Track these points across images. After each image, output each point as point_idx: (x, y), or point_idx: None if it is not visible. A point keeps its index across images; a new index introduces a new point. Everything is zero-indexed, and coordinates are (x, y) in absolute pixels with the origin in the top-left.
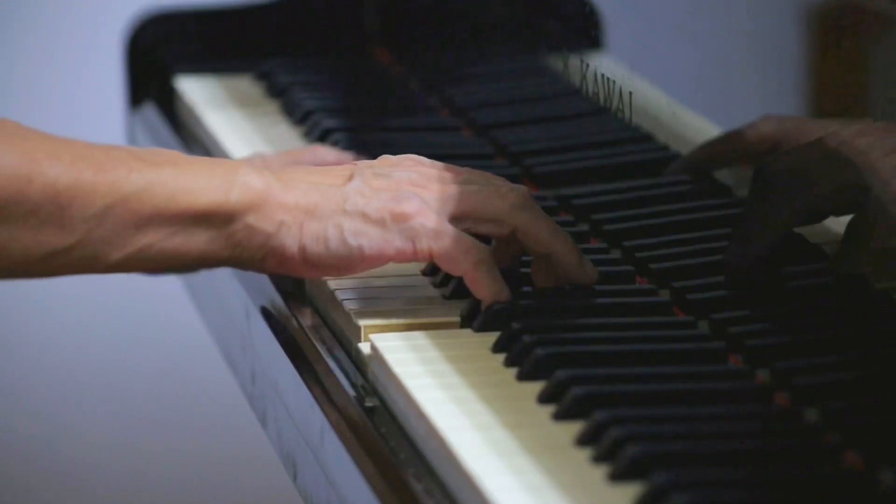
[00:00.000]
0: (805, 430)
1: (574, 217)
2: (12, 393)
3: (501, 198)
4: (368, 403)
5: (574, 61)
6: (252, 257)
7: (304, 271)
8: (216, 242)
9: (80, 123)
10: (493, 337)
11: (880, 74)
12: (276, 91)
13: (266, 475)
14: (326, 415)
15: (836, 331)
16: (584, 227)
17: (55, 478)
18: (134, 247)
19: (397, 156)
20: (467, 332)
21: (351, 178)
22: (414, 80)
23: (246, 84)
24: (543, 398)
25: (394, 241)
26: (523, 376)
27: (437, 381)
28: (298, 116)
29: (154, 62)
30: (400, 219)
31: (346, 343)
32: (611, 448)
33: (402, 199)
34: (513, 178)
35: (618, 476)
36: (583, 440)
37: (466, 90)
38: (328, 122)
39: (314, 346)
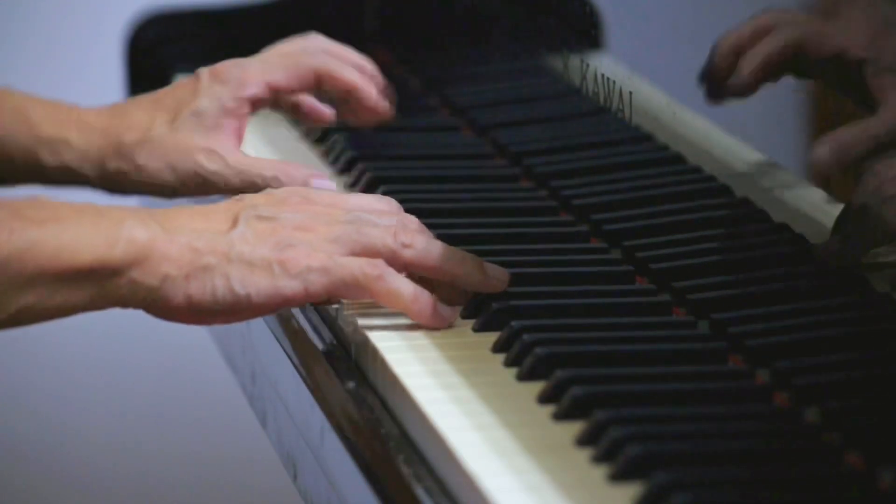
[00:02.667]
0: (805, 430)
1: (574, 217)
2: (12, 393)
3: (385, 233)
4: (368, 403)
5: (574, 61)
6: (138, 307)
7: (191, 320)
8: (100, 297)
9: None
10: (493, 337)
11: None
12: None
13: (266, 475)
14: (326, 415)
15: (836, 331)
16: (584, 227)
17: (55, 478)
18: (15, 307)
19: (284, 189)
20: (467, 331)
21: (235, 222)
22: (414, 80)
23: None
24: (543, 398)
25: (284, 288)
26: (523, 376)
27: (437, 381)
28: None
29: (154, 62)
30: (287, 266)
31: (346, 343)
32: (611, 448)
33: (287, 245)
34: (513, 178)
35: (618, 476)
36: (583, 440)
37: (466, 90)
38: None
39: (314, 345)
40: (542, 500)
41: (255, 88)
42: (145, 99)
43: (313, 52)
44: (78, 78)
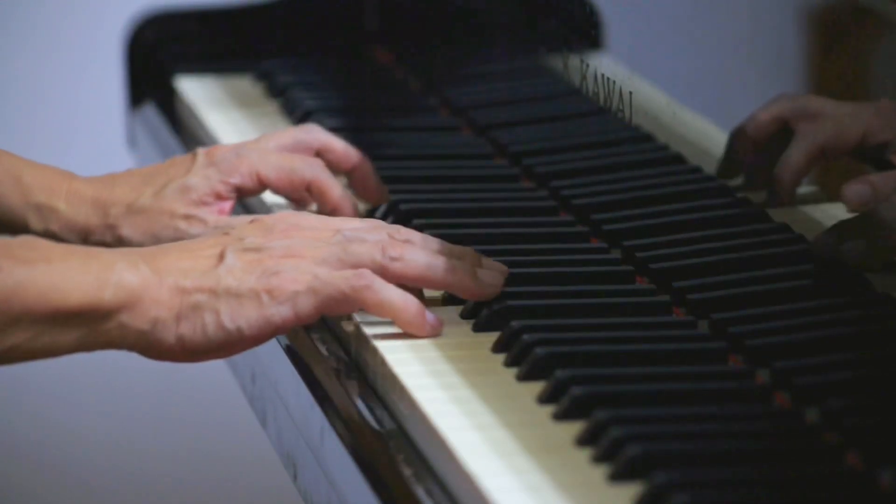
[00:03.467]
0: (805, 430)
1: (574, 217)
2: (12, 393)
3: (373, 248)
4: (368, 403)
5: (574, 61)
6: (129, 350)
7: (185, 359)
8: (88, 340)
9: (80, 123)
10: (493, 337)
11: (880, 74)
12: (276, 91)
13: (266, 475)
14: (326, 415)
15: (836, 331)
16: (584, 227)
17: (55, 478)
18: (0, 346)
19: (272, 217)
20: (467, 331)
21: (222, 257)
22: (414, 80)
23: (246, 84)
24: (543, 398)
25: (274, 316)
26: (523, 376)
27: (437, 381)
28: (298, 116)
29: (154, 62)
30: (275, 294)
31: (345, 343)
32: (611, 448)
33: (272, 273)
34: (513, 178)
35: (618, 476)
36: (583, 440)
37: (466, 90)
38: (328, 122)
39: (314, 345)
40: (542, 500)
41: (245, 179)
42: (139, 172)
43: (309, 164)
44: (78, 78)
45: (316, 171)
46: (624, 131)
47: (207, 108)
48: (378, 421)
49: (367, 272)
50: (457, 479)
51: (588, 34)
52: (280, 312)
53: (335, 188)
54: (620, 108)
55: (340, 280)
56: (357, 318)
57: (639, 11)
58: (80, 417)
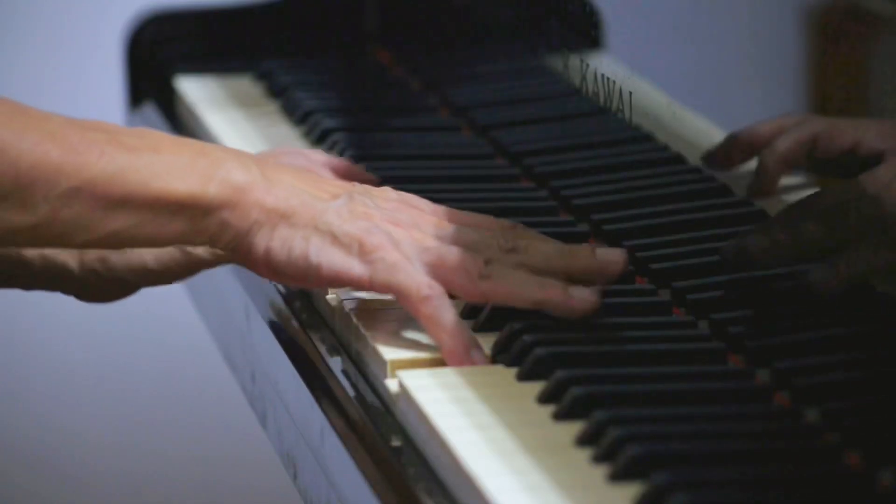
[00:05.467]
0: (805, 430)
1: (574, 217)
2: (12, 393)
3: (471, 263)
4: (368, 403)
5: (574, 61)
6: (224, 248)
7: (263, 272)
8: (189, 232)
9: None
10: (493, 337)
11: (880, 74)
12: (276, 91)
13: (266, 475)
14: (326, 415)
15: (836, 331)
16: (584, 227)
17: (55, 478)
18: (102, 231)
19: (395, 192)
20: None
21: (337, 196)
22: (414, 80)
23: (246, 84)
24: (543, 398)
25: (353, 269)
26: (523, 376)
27: (437, 381)
28: (298, 116)
29: (154, 62)
30: (365, 249)
31: (346, 343)
32: (611, 448)
33: (373, 231)
34: (513, 178)
35: (618, 476)
36: (583, 440)
37: (466, 90)
38: (328, 122)
39: (314, 345)
40: (542, 500)
41: None
42: None
43: (309, 158)
44: (78, 78)
45: (317, 166)
46: (624, 131)
47: (207, 108)
48: (378, 421)
49: (436, 285)
50: (457, 479)
51: (588, 34)
52: (360, 268)
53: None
54: (620, 108)
55: (417, 279)
56: (357, 319)
57: (639, 11)
58: (81, 418)
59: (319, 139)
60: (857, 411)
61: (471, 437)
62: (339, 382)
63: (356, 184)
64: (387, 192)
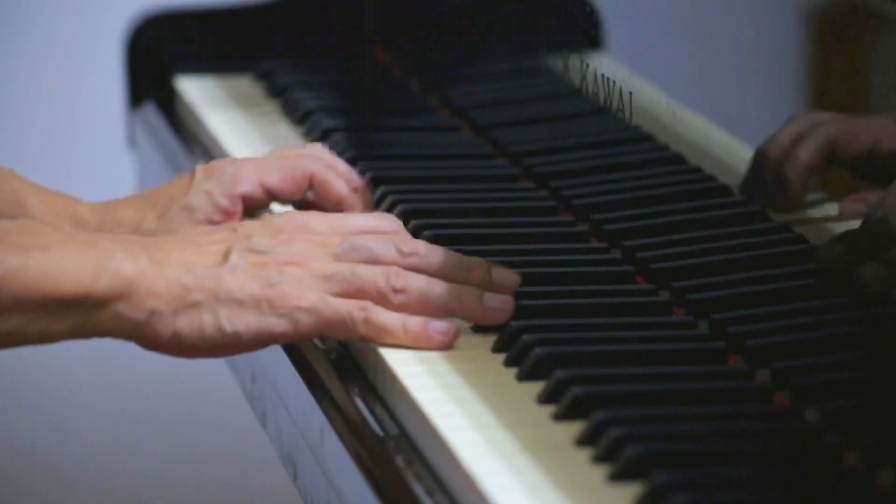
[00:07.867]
0: (805, 430)
1: (574, 217)
2: (12, 393)
3: (378, 276)
4: (368, 403)
5: (574, 61)
6: (124, 339)
7: (179, 354)
8: (83, 328)
9: (80, 123)
10: (492, 337)
11: (880, 74)
12: (276, 91)
13: (266, 475)
14: (326, 415)
15: (836, 331)
16: (584, 227)
17: (55, 478)
18: None
19: (283, 217)
20: (467, 331)
21: (227, 255)
22: (414, 80)
23: (246, 84)
24: (543, 398)
25: (273, 327)
26: (523, 376)
27: (437, 381)
28: (298, 116)
29: (154, 62)
30: (275, 304)
31: (345, 342)
32: (611, 448)
33: (275, 284)
34: (513, 178)
35: (618, 476)
36: (583, 440)
37: (466, 90)
38: (328, 122)
39: (314, 345)
40: (542, 500)
41: (247, 186)
42: (139, 196)
43: (311, 159)
44: (78, 78)
45: (318, 165)
46: (624, 131)
47: (207, 108)
48: (378, 421)
49: (366, 311)
50: (457, 479)
51: (588, 34)
52: (280, 324)
53: (338, 181)
54: (620, 108)
55: (343, 308)
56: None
57: (639, 11)
58: (80, 417)
59: (319, 139)
60: (857, 411)
61: (471, 437)
62: (338, 382)
63: (235, 222)
64: (272, 222)
